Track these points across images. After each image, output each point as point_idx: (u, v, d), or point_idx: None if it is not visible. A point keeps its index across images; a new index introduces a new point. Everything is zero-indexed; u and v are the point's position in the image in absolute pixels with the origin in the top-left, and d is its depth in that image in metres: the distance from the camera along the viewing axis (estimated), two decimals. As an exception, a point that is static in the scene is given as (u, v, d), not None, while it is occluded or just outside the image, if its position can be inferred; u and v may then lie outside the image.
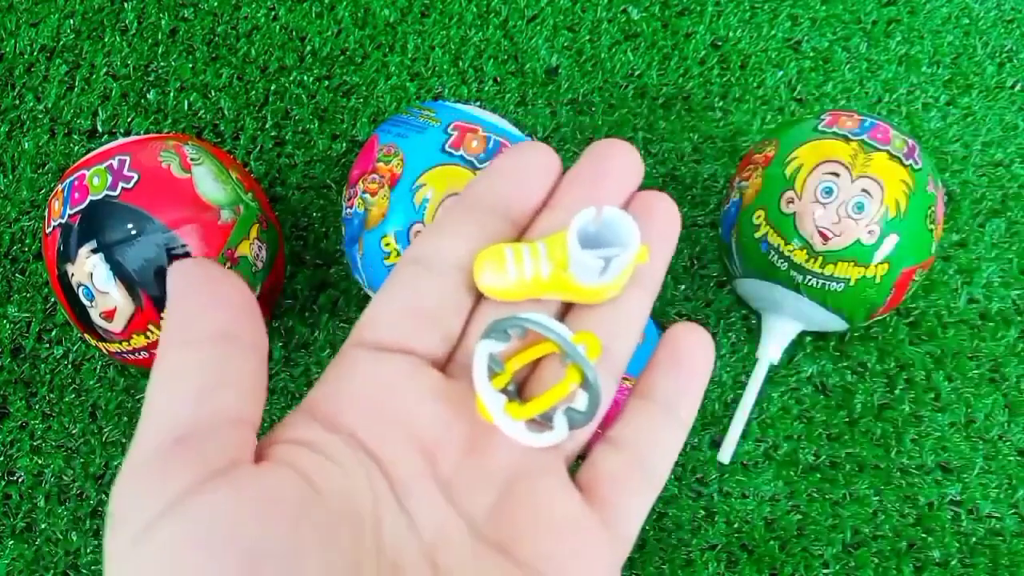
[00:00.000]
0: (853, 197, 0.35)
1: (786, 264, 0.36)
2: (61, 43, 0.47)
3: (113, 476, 0.40)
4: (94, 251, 0.34)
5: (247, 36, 0.47)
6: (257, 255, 0.37)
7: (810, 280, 0.36)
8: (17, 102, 0.46)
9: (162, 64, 0.46)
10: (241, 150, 0.45)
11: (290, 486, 0.18)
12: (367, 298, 0.42)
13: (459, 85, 0.46)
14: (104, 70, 0.46)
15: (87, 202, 0.34)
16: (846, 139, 0.36)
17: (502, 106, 0.46)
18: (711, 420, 0.41)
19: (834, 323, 0.38)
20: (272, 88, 0.46)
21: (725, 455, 0.40)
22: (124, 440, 0.41)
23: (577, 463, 0.23)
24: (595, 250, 0.21)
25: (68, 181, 0.35)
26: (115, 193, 0.34)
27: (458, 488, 0.21)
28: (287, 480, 0.18)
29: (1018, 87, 0.46)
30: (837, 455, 0.40)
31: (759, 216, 0.37)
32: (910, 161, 0.36)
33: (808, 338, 0.42)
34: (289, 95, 0.46)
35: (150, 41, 0.47)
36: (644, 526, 0.39)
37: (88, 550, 0.39)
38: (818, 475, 0.40)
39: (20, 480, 0.41)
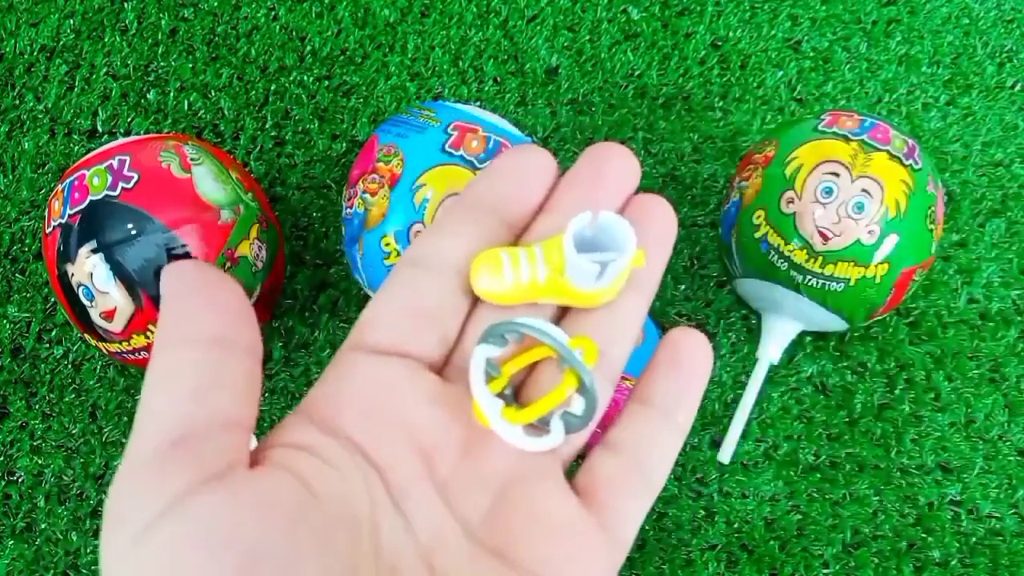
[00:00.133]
0: (853, 197, 0.35)
1: (786, 264, 0.36)
2: (61, 43, 0.47)
3: (113, 476, 0.40)
4: (94, 251, 0.34)
5: (247, 36, 0.47)
6: (257, 255, 0.37)
7: (810, 280, 0.36)
8: (17, 102, 0.46)
9: (162, 64, 0.46)
10: (241, 150, 0.45)
11: (287, 490, 0.18)
12: (367, 298, 0.42)
13: (459, 85, 0.46)
14: (104, 70, 0.46)
15: (87, 202, 0.34)
16: (846, 139, 0.36)
17: (502, 106, 0.46)
18: (711, 420, 0.41)
19: (834, 323, 0.38)
20: (272, 88, 0.46)
21: (725, 455, 0.40)
22: (124, 440, 0.41)
23: (576, 465, 0.23)
24: (591, 254, 0.21)
25: (68, 181, 0.35)
26: (115, 193, 0.34)
27: (455, 492, 0.21)
28: (284, 484, 0.19)
29: (1018, 87, 0.46)
30: (837, 455, 0.40)
31: (759, 216, 0.37)
32: (910, 161, 0.36)
33: (808, 338, 0.42)
34: (289, 95, 0.46)
35: (150, 41, 0.47)
36: (644, 526, 0.39)
37: (88, 550, 0.39)
38: (818, 475, 0.40)
39: (20, 480, 0.41)
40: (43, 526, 0.40)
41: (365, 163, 0.37)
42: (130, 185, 0.34)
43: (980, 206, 0.44)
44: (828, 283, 0.36)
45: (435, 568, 0.20)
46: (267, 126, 0.45)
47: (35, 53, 0.47)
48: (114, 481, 0.18)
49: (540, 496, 0.21)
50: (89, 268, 0.34)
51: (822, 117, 0.38)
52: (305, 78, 0.46)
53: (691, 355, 0.24)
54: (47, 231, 0.36)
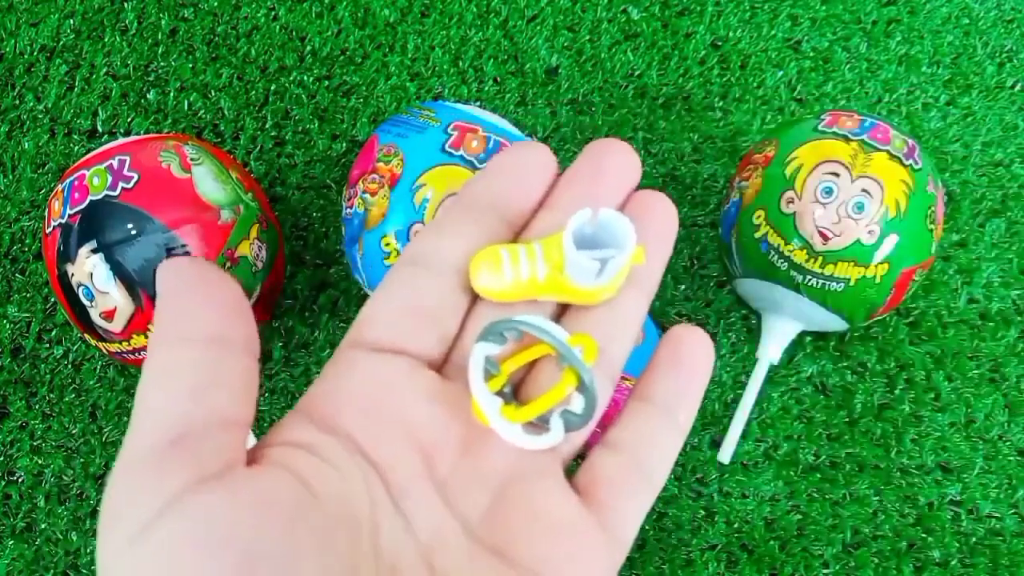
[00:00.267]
0: (853, 197, 0.35)
1: (786, 264, 0.36)
2: (61, 43, 0.47)
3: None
4: (94, 251, 0.34)
5: (247, 36, 0.47)
6: (257, 255, 0.37)
7: (810, 280, 0.36)
8: (17, 102, 0.46)
9: (162, 64, 0.46)
10: (241, 150, 0.45)
11: (285, 489, 0.18)
12: (367, 298, 0.42)
13: (459, 85, 0.46)
14: (104, 70, 0.46)
15: (87, 202, 0.34)
16: (846, 139, 0.36)
17: (502, 106, 0.46)
18: (711, 420, 0.41)
19: (834, 323, 0.38)
20: (272, 88, 0.46)
21: (725, 455, 0.40)
22: (124, 440, 0.41)
23: (576, 464, 0.23)
24: (591, 251, 0.21)
25: (68, 181, 0.35)
26: (115, 193, 0.34)
27: (454, 490, 0.21)
28: (283, 483, 0.18)
29: (1018, 87, 0.46)
30: (837, 455, 0.40)
31: (759, 216, 0.37)
32: (910, 161, 0.36)
33: (808, 338, 0.42)
34: (289, 95, 0.46)
35: (150, 41, 0.47)
36: (644, 526, 0.39)
37: (88, 550, 0.39)
38: (818, 475, 0.40)
39: (20, 480, 0.41)
40: (43, 526, 0.40)
41: (365, 163, 0.37)
42: (130, 185, 0.34)
43: (980, 206, 0.44)
44: (828, 283, 0.36)
45: (435, 567, 0.20)
46: (267, 126, 0.45)
47: (35, 53, 0.47)
48: (111, 479, 0.18)
49: (540, 495, 0.21)
50: (89, 268, 0.34)
51: (822, 117, 0.38)
52: (305, 78, 0.46)
53: (692, 353, 0.24)
54: (47, 231, 0.36)
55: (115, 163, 0.35)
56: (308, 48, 0.47)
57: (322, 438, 0.20)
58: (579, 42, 0.47)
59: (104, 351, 0.37)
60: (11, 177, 0.45)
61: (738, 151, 0.45)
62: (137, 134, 0.44)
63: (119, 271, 0.34)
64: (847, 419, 0.41)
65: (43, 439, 0.41)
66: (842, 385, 0.41)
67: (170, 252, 0.34)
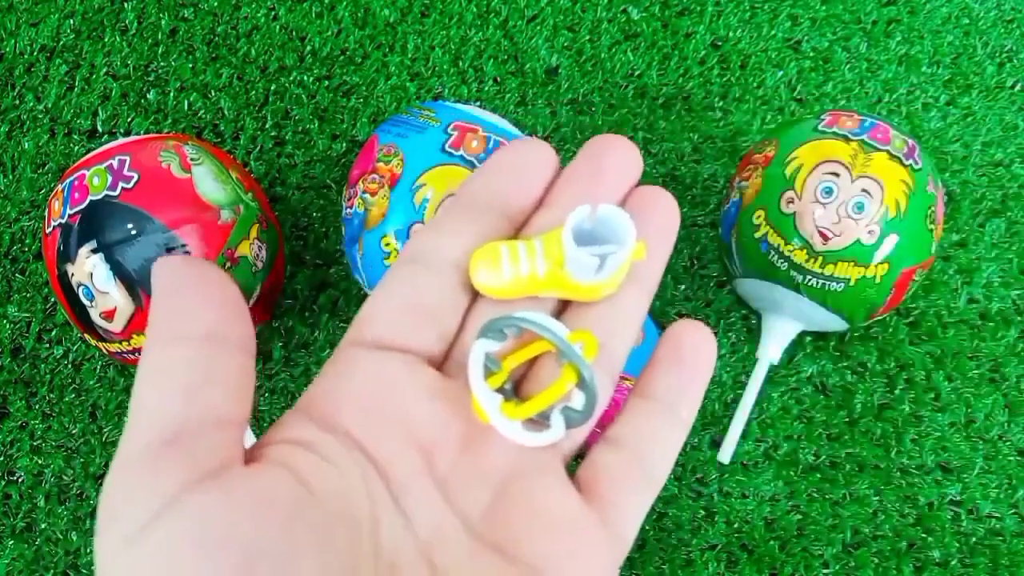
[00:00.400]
0: (853, 197, 0.35)
1: (786, 264, 0.36)
2: (61, 43, 0.47)
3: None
4: (94, 251, 0.34)
5: (247, 36, 0.47)
6: (257, 255, 0.37)
7: (810, 280, 0.36)
8: (17, 102, 0.46)
9: (162, 64, 0.46)
10: (241, 150, 0.45)
11: (284, 487, 0.18)
12: (367, 298, 0.42)
13: (459, 85, 0.46)
14: (104, 70, 0.46)
15: (87, 202, 0.34)
16: (846, 139, 0.36)
17: (502, 106, 0.46)
18: (711, 420, 0.41)
19: (834, 323, 0.38)
20: (272, 88, 0.46)
21: (725, 455, 0.40)
22: (124, 440, 0.41)
23: (577, 461, 0.23)
24: (591, 247, 0.21)
25: (68, 181, 0.35)
26: (115, 193, 0.34)
27: (454, 487, 0.21)
28: (281, 481, 0.18)
29: (1018, 87, 0.46)
30: (837, 455, 0.40)
31: (759, 216, 0.37)
32: (910, 161, 0.36)
33: (808, 338, 0.42)
34: (289, 95, 0.46)
35: (150, 41, 0.47)
36: (644, 526, 0.39)
37: (88, 550, 0.39)
38: (818, 475, 0.40)
39: (20, 480, 0.41)
40: (43, 526, 0.40)
41: (365, 163, 0.37)
42: (130, 185, 0.34)
43: (980, 206, 0.44)
44: (828, 283, 0.36)
45: (435, 564, 0.20)
46: (267, 126, 0.45)
47: (35, 53, 0.47)
48: (107, 479, 0.18)
49: (540, 491, 0.21)
50: (89, 268, 0.34)
51: (822, 117, 0.38)
52: (305, 78, 0.46)
53: (694, 349, 0.23)
54: (47, 231, 0.36)
55: (115, 163, 0.35)
56: (308, 48, 0.47)
57: (322, 436, 0.20)
58: (579, 42, 0.47)
59: (104, 351, 0.37)
60: (11, 177, 0.45)
61: (738, 151, 0.45)
62: (137, 134, 0.44)
63: (119, 271, 0.34)
64: (847, 419, 0.41)
65: (43, 439, 0.41)
66: (842, 385, 0.41)
67: (170, 252, 0.34)
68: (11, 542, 0.40)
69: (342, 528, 0.19)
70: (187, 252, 0.34)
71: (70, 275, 0.35)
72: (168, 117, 0.45)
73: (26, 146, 0.45)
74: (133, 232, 0.34)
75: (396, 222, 0.35)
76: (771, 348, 0.39)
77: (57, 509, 0.40)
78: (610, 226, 0.22)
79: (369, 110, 0.45)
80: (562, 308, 0.24)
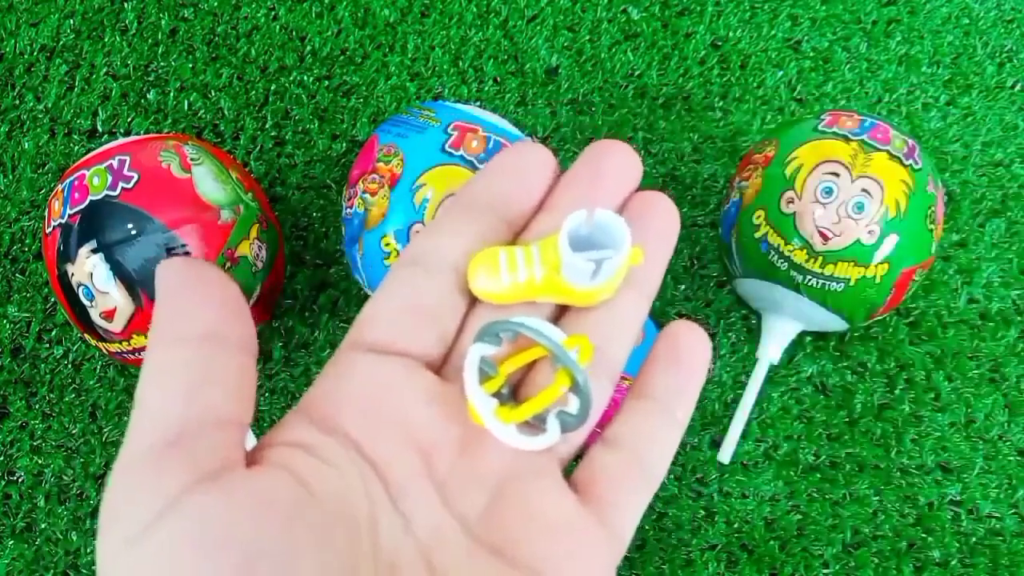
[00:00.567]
0: (853, 197, 0.35)
1: (786, 264, 0.36)
2: (61, 43, 0.47)
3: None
4: (94, 251, 0.34)
5: (247, 36, 0.47)
6: (257, 255, 0.37)
7: (810, 280, 0.36)
8: (17, 102, 0.46)
9: (162, 64, 0.46)
10: (241, 150, 0.45)
11: (284, 488, 0.18)
12: (367, 298, 0.42)
13: (459, 85, 0.46)
14: (104, 70, 0.46)
15: (87, 202, 0.34)
16: (846, 139, 0.36)
17: (502, 106, 0.46)
18: (711, 420, 0.41)
19: (834, 323, 0.38)
20: (272, 88, 0.46)
21: (725, 455, 0.40)
22: (124, 439, 0.41)
23: (575, 462, 0.23)
24: (586, 252, 0.21)
25: (68, 181, 0.35)
26: (115, 193, 0.34)
27: (452, 490, 0.21)
28: (281, 482, 0.19)
29: (1018, 87, 0.46)
30: (837, 455, 0.40)
31: (759, 216, 0.37)
32: (910, 161, 0.36)
33: (808, 338, 0.42)
34: (289, 95, 0.46)
35: (150, 41, 0.47)
36: (644, 526, 0.39)
37: (88, 550, 0.39)
38: (818, 475, 0.40)
39: (20, 480, 0.41)
40: (43, 526, 0.40)
41: (365, 163, 0.37)
42: (130, 185, 0.34)
43: (980, 206, 0.44)
44: (828, 283, 0.36)
45: (434, 565, 0.20)
46: (267, 126, 0.45)
47: (35, 53, 0.47)
48: (110, 480, 0.18)
49: (537, 493, 0.22)
50: (89, 268, 0.34)
51: (822, 117, 0.38)
52: (305, 78, 0.46)
53: (690, 349, 0.24)
54: (47, 231, 0.36)
55: (115, 163, 0.35)
56: (308, 48, 0.47)
57: (322, 439, 0.20)
58: (579, 42, 0.47)
59: (104, 351, 0.37)
60: (11, 177, 0.45)
61: (738, 151, 0.45)
62: (137, 134, 0.44)
63: (119, 271, 0.34)
64: (847, 419, 0.41)
65: (43, 439, 0.41)
66: (842, 385, 0.41)
67: (170, 252, 0.34)
68: (11, 542, 0.40)
69: (342, 529, 0.19)
70: (187, 252, 0.34)
71: (70, 275, 0.35)
72: (168, 117, 0.45)
73: (26, 146, 0.45)
74: (133, 232, 0.34)
75: (396, 222, 0.35)
76: (771, 348, 0.39)
77: (57, 509, 0.40)
78: (606, 231, 0.22)
79: (369, 110, 0.45)
80: (560, 313, 0.24)
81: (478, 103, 0.46)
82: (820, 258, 0.36)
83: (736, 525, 0.40)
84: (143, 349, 0.35)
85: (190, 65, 0.46)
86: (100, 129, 0.45)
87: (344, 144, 0.45)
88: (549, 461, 0.22)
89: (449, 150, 0.35)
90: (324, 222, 0.44)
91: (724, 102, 0.46)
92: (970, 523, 0.40)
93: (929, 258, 0.37)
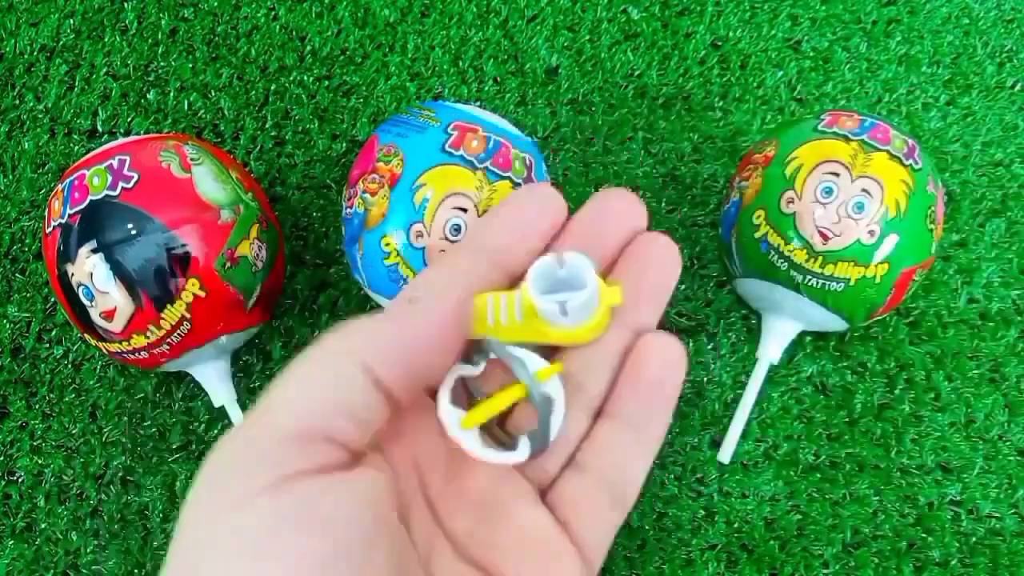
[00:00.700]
0: (853, 197, 0.35)
1: (786, 264, 0.36)
2: (61, 43, 0.47)
3: (113, 476, 0.40)
4: (94, 251, 0.34)
5: (247, 36, 0.47)
6: (257, 255, 0.37)
7: (810, 280, 0.36)
8: (17, 102, 0.46)
9: (162, 64, 0.46)
10: (241, 150, 0.45)
11: (377, 490, 0.20)
12: (367, 298, 0.42)
13: (459, 85, 0.46)
14: (104, 70, 0.46)
15: (87, 202, 0.34)
16: (846, 139, 0.36)
17: (502, 106, 0.46)
18: (711, 420, 0.41)
19: (834, 323, 0.38)
20: (272, 88, 0.46)
21: (725, 455, 0.40)
22: (124, 440, 0.41)
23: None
24: (555, 295, 0.22)
25: (68, 181, 0.35)
26: (115, 193, 0.34)
27: (441, 508, 0.22)
28: (377, 484, 0.20)
29: (1018, 87, 0.46)
30: (837, 455, 0.40)
31: (759, 216, 0.37)
32: (910, 161, 0.36)
33: (808, 338, 0.42)
34: (289, 95, 0.46)
35: (150, 41, 0.47)
36: (644, 526, 0.39)
37: (88, 550, 0.39)
38: (818, 475, 0.40)
39: (20, 480, 0.41)
40: (43, 526, 0.40)
41: (365, 163, 0.37)
42: (130, 185, 0.34)
43: (980, 206, 0.44)
44: (828, 283, 0.36)
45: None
46: (267, 126, 0.45)
47: (35, 53, 0.47)
48: (224, 445, 0.19)
49: (517, 516, 0.22)
50: (89, 268, 0.34)
51: (822, 117, 0.38)
52: (305, 78, 0.46)
53: (661, 366, 0.24)
54: (47, 231, 0.36)
55: (115, 163, 0.35)
56: (308, 48, 0.47)
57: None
58: (579, 42, 0.47)
59: (104, 351, 0.37)
60: (11, 177, 0.45)
61: (738, 151, 0.45)
62: (137, 134, 0.44)
63: (119, 271, 0.34)
64: (847, 419, 0.41)
65: (43, 439, 0.41)
66: (842, 385, 0.41)
67: (170, 252, 0.34)
68: (11, 542, 0.40)
69: (402, 531, 0.20)
70: (187, 252, 0.34)
71: (70, 275, 0.35)
72: (168, 117, 0.45)
73: (26, 146, 0.45)
74: (133, 232, 0.34)
75: (396, 222, 0.35)
76: (771, 348, 0.39)
77: (57, 509, 0.40)
78: (578, 273, 0.22)
79: (369, 110, 0.45)
80: (554, 350, 0.25)
81: (478, 103, 0.46)
82: (820, 258, 0.36)
83: (736, 525, 0.40)
84: (143, 349, 0.35)
85: (190, 65, 0.46)
86: (100, 129, 0.45)
87: (344, 144, 0.45)
88: (527, 485, 0.23)
89: (449, 150, 0.35)
90: (324, 222, 0.44)
91: (724, 102, 0.46)
92: (970, 523, 0.40)
93: (929, 258, 0.37)
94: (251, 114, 0.45)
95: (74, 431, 0.41)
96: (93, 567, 0.39)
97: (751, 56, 0.46)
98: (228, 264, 0.35)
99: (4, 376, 0.42)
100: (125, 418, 0.41)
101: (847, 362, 0.42)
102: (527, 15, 0.47)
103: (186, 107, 0.45)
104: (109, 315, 0.34)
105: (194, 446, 0.40)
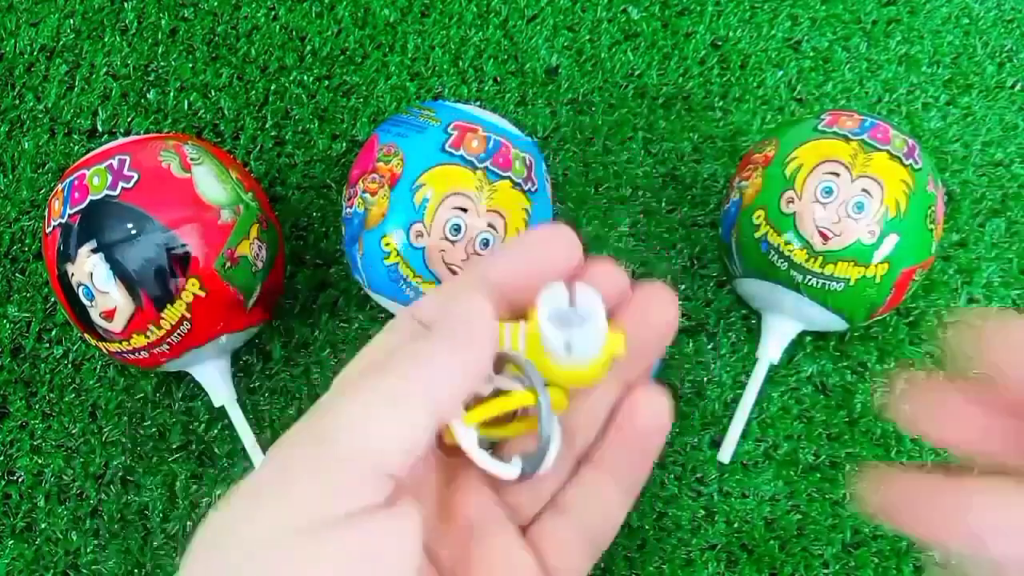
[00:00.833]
0: (853, 197, 0.35)
1: (786, 264, 0.36)
2: (61, 43, 0.47)
3: (113, 476, 0.40)
4: (94, 251, 0.34)
5: (247, 36, 0.47)
6: (257, 255, 0.37)
7: (810, 280, 0.36)
8: (17, 102, 0.46)
9: (162, 64, 0.46)
10: (241, 150, 0.45)
11: (416, 527, 0.20)
12: (367, 298, 0.42)
13: (459, 85, 0.46)
14: (104, 70, 0.46)
15: (87, 202, 0.34)
16: (846, 139, 0.36)
17: (502, 106, 0.46)
18: (711, 420, 0.41)
19: (834, 323, 0.38)
20: (272, 88, 0.46)
21: (725, 455, 0.40)
22: (124, 440, 0.41)
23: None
24: (563, 330, 0.22)
25: (68, 181, 0.35)
26: (115, 193, 0.34)
27: (431, 539, 0.23)
28: (415, 520, 0.20)
29: (1018, 87, 0.46)
30: (837, 455, 0.40)
31: (759, 216, 0.37)
32: (910, 161, 0.36)
33: (808, 338, 0.42)
34: (289, 95, 0.46)
35: (150, 41, 0.47)
36: (644, 526, 0.39)
37: (88, 549, 0.39)
38: (818, 475, 0.40)
39: (20, 480, 0.41)
40: (43, 526, 0.40)
41: (365, 163, 0.37)
42: (130, 185, 0.34)
43: (980, 206, 0.44)
44: (828, 283, 0.36)
45: None
46: (267, 126, 0.45)
47: (35, 53, 0.47)
48: (286, 463, 0.19)
49: (500, 550, 0.23)
50: (89, 268, 0.34)
51: (822, 117, 0.38)
52: (305, 78, 0.46)
53: (649, 421, 0.24)
54: (47, 231, 0.36)
55: (115, 163, 0.35)
56: (308, 48, 0.47)
57: None
58: (579, 42, 0.47)
59: (104, 351, 0.37)
60: (11, 177, 0.45)
61: (738, 151, 0.45)
62: (137, 134, 0.44)
63: (119, 271, 0.34)
64: (847, 419, 0.41)
65: (43, 439, 0.41)
66: (842, 385, 0.41)
67: (170, 252, 0.34)
68: (11, 542, 0.40)
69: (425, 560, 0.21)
70: (187, 252, 0.34)
71: (70, 275, 0.35)
72: (168, 117, 0.45)
73: (26, 146, 0.45)
74: (133, 232, 0.34)
75: (396, 222, 0.35)
76: (771, 348, 0.39)
77: (57, 509, 0.40)
78: (586, 311, 0.22)
79: (369, 110, 0.45)
80: None
81: (478, 103, 0.46)
82: (820, 258, 0.36)
83: (736, 525, 0.40)
84: (143, 349, 0.35)
85: (190, 65, 0.46)
86: (100, 129, 0.45)
87: (344, 144, 0.45)
88: (509, 522, 0.24)
89: (449, 150, 0.35)
90: (324, 222, 0.44)
91: (724, 102, 0.46)
92: (970, 523, 0.40)
93: (929, 258, 0.37)
94: (251, 114, 0.45)
95: (74, 431, 0.41)
96: (93, 567, 0.39)
97: (751, 56, 0.46)
98: (228, 264, 0.35)
99: (4, 376, 0.42)
100: (125, 418, 0.41)
101: (847, 362, 0.42)
102: (527, 15, 0.47)
103: (186, 107, 0.45)
104: (109, 315, 0.34)
105: (194, 446, 0.40)
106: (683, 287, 0.43)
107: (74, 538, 0.40)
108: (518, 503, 0.24)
